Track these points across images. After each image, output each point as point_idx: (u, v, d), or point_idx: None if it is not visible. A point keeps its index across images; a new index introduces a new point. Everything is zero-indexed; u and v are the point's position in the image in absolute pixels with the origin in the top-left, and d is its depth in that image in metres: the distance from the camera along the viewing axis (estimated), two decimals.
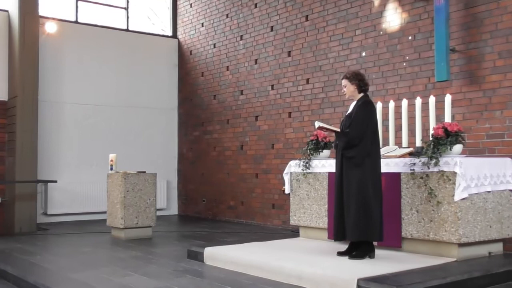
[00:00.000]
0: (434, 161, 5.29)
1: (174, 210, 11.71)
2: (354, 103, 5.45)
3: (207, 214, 10.88)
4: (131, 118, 11.22)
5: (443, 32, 6.51)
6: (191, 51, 11.54)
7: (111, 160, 8.25)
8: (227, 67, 10.48)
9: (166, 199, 11.44)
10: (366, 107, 5.25)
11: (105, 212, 8.44)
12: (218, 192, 10.58)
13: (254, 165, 9.73)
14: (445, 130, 5.39)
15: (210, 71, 10.93)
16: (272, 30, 9.46)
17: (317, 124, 5.42)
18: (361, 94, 5.40)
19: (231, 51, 10.37)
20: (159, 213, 10.41)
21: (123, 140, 11.01)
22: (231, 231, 8.62)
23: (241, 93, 10.11)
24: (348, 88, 5.41)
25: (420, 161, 5.43)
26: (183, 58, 11.76)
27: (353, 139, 5.15)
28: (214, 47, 10.83)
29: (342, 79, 5.47)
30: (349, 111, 5.44)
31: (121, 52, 11.17)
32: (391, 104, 6.43)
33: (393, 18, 7.48)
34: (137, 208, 7.92)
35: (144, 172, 8.14)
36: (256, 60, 9.80)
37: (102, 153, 10.31)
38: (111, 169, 8.22)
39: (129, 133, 11.18)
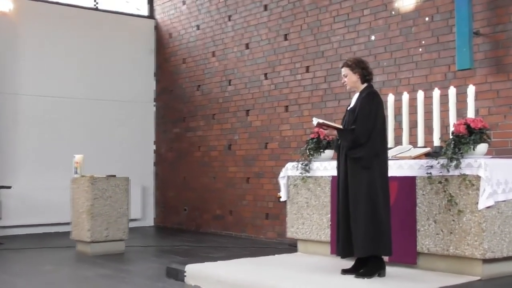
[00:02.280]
0: (454, 163, 5.29)
1: (150, 220, 11.71)
2: (357, 95, 5.45)
3: (190, 225, 10.86)
4: (100, 112, 11.18)
5: (466, 13, 6.52)
6: (170, 34, 11.51)
7: (76, 162, 8.23)
8: (213, 52, 10.46)
9: (141, 207, 11.43)
10: (372, 99, 5.25)
11: (69, 224, 8.40)
12: (203, 200, 10.57)
13: (245, 168, 9.73)
14: (468, 126, 5.39)
15: (193, 58, 10.91)
16: (266, 9, 9.45)
17: (316, 120, 5.41)
18: (365, 85, 5.40)
19: (218, 34, 10.35)
20: (132, 224, 10.37)
21: (90, 139, 10.98)
22: (217, 245, 8.61)
23: (230, 83, 10.09)
24: (350, 78, 5.41)
25: (438, 163, 5.44)
26: (162, 42, 11.73)
27: (360, 137, 5.15)
28: (198, 29, 10.81)
29: (342, 67, 5.46)
30: (351, 105, 5.44)
31: (88, 36, 11.13)
32: (405, 96, 6.44)
33: None
34: (107, 219, 7.90)
35: (115, 176, 8.13)
36: (247, 45, 9.79)
37: (66, 154, 10.24)
38: (76, 172, 8.20)
39: (98, 130, 11.14)
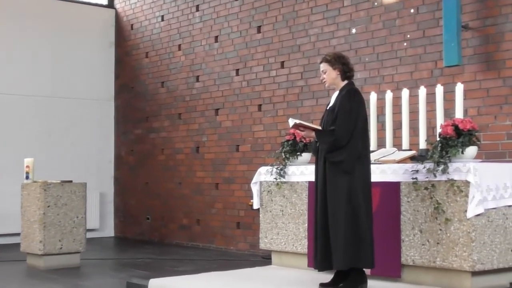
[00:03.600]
0: (442, 167, 5.33)
1: (109, 231, 11.64)
2: (336, 93, 5.46)
3: (153, 236, 10.81)
4: (53, 111, 11.08)
5: (454, 5, 6.57)
6: (132, 25, 11.45)
7: (27, 167, 8.14)
8: (179, 46, 10.43)
9: (99, 216, 11.35)
10: (353, 98, 5.27)
11: (18, 234, 8.29)
12: (167, 208, 10.53)
13: (214, 173, 9.71)
14: (456, 128, 5.43)
15: (157, 51, 10.87)
16: None
17: (292, 121, 5.41)
18: (345, 82, 5.42)
19: (184, 26, 10.33)
20: (90, 234, 10.27)
21: (42, 141, 10.88)
22: (183, 258, 8.58)
23: (197, 80, 10.07)
24: (329, 75, 5.42)
25: (424, 167, 5.47)
26: (122, 34, 11.66)
27: (340, 139, 5.16)
28: (162, 20, 10.77)
29: (321, 62, 5.47)
30: (330, 104, 5.45)
31: (41, 26, 11.02)
32: (388, 95, 6.47)
33: None
34: (61, 229, 7.82)
35: (71, 181, 8.06)
36: (216, 38, 9.77)
37: (15, 157, 10.13)
38: (27, 178, 8.11)
39: (51, 131, 11.04)
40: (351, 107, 5.21)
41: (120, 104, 11.71)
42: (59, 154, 10.98)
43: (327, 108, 5.47)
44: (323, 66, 5.45)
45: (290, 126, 5.45)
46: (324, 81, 5.49)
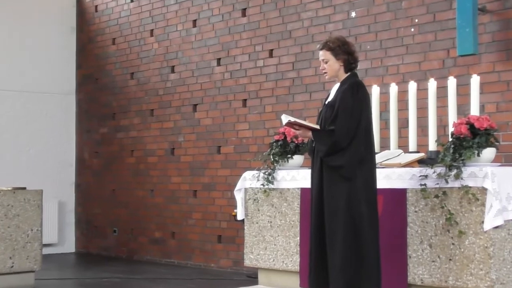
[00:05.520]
0: (454, 172, 5.35)
1: (70, 245, 11.59)
2: (337, 86, 5.44)
3: (120, 252, 10.77)
4: (4, 107, 11.01)
5: None
6: (96, 7, 11.40)
7: None
8: (151, 31, 10.39)
9: (58, 229, 11.30)
10: (356, 92, 5.25)
11: None
12: (137, 219, 10.49)
13: (191, 178, 9.69)
14: (471, 127, 5.46)
15: (126, 37, 10.83)
16: None
17: (286, 119, 5.38)
18: (348, 74, 5.41)
19: (157, 8, 10.29)
20: (47, 250, 10.23)
21: None
22: (156, 277, 8.55)
23: (172, 71, 10.04)
24: (331, 66, 5.38)
25: (434, 172, 5.49)
26: (85, 17, 11.61)
27: (341, 140, 5.15)
28: (132, 1, 10.73)
29: (321, 49, 5.42)
30: (330, 99, 5.43)
31: None
32: (393, 89, 6.48)
33: None
34: (12, 244, 7.77)
35: (24, 188, 8.00)
36: (194, 22, 9.75)
37: None
38: None
39: (2, 130, 10.96)
40: (353, 103, 5.19)
41: (82, 99, 11.65)
42: (11, 156, 10.92)
43: (326, 103, 5.45)
44: (325, 55, 5.38)
45: (283, 124, 5.42)
46: (325, 72, 5.43)
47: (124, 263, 10.07)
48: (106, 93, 11.16)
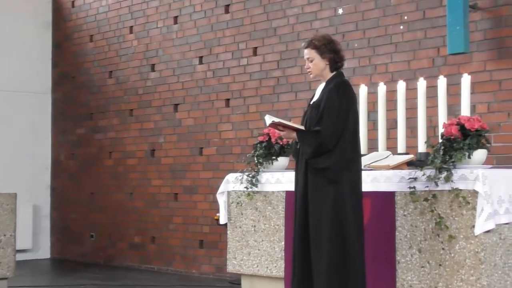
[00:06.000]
0: (444, 174, 5.35)
1: (45, 251, 11.57)
2: (322, 85, 5.44)
3: (98, 258, 10.74)
4: None
5: None
6: (73, 3, 11.37)
7: None
8: (131, 28, 10.37)
9: (33, 234, 11.28)
10: (342, 92, 5.25)
11: None
12: (116, 223, 10.47)
13: (172, 181, 9.68)
14: (462, 127, 5.45)
15: (104, 34, 10.80)
16: None
17: (269, 119, 5.38)
18: (333, 73, 5.41)
19: (137, 4, 10.28)
20: (20, 256, 10.18)
21: None
22: (135, 284, 8.56)
23: (153, 69, 10.03)
24: (317, 64, 5.38)
25: (423, 174, 5.48)
26: (61, 13, 11.57)
27: (327, 141, 5.14)
28: None
29: (306, 47, 5.42)
30: (315, 99, 5.43)
31: None
32: (382, 88, 6.47)
33: None
34: None
35: None
36: (175, 18, 9.74)
37: None
38: None
39: None
40: (340, 103, 5.18)
41: (58, 98, 11.61)
42: None
43: (311, 103, 5.44)
44: (310, 53, 5.38)
45: (267, 124, 5.42)
46: (309, 71, 5.44)
47: (101, 269, 10.06)
48: (83, 93, 11.13)
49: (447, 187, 5.36)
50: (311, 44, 5.39)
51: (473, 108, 6.45)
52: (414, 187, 5.52)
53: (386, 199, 5.71)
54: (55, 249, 11.55)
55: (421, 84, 6.15)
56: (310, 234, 5.24)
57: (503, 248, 5.35)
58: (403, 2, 7.40)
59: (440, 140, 5.53)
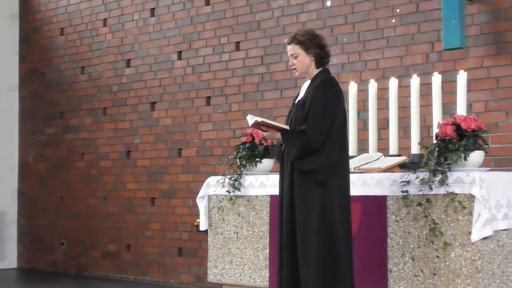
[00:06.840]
0: (439, 177, 5.36)
1: (11, 260, 11.54)
2: (307, 83, 5.46)
3: (69, 267, 10.71)
4: None
5: None
6: None
7: None
8: (105, 20, 10.36)
9: None
10: (329, 90, 5.26)
11: None
12: (88, 230, 10.45)
13: (149, 184, 9.67)
14: (457, 127, 5.47)
15: (76, 27, 10.78)
16: None
17: (252, 119, 5.38)
18: (319, 69, 5.43)
19: None
20: None
21: None
22: None
23: (128, 65, 10.02)
24: (302, 61, 5.40)
25: (417, 177, 5.49)
26: (29, 4, 11.53)
27: (313, 142, 5.16)
28: None
29: (290, 43, 5.43)
30: (300, 97, 5.45)
31: None
32: (372, 86, 6.49)
33: None
34: None
35: None
36: (152, 10, 9.73)
37: None
38: None
39: None
40: (326, 101, 5.20)
41: (26, 96, 11.58)
42: None
43: (295, 102, 5.47)
44: (293, 49, 5.40)
45: (249, 125, 5.41)
46: (294, 69, 5.45)
47: (73, 279, 10.04)
48: (54, 90, 11.10)
49: (442, 191, 5.38)
50: (294, 40, 5.41)
51: (469, 107, 6.48)
52: (407, 191, 5.53)
53: (377, 203, 5.72)
54: (22, 258, 11.51)
55: (415, 81, 6.16)
56: (297, 240, 5.25)
57: (501, 256, 5.37)
58: None
59: (435, 141, 5.55)
